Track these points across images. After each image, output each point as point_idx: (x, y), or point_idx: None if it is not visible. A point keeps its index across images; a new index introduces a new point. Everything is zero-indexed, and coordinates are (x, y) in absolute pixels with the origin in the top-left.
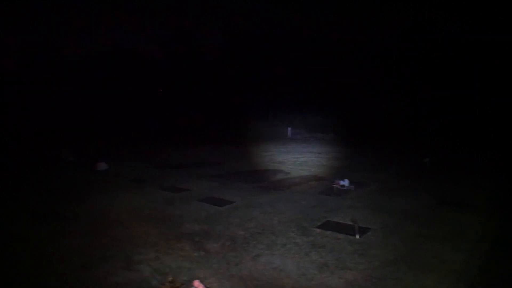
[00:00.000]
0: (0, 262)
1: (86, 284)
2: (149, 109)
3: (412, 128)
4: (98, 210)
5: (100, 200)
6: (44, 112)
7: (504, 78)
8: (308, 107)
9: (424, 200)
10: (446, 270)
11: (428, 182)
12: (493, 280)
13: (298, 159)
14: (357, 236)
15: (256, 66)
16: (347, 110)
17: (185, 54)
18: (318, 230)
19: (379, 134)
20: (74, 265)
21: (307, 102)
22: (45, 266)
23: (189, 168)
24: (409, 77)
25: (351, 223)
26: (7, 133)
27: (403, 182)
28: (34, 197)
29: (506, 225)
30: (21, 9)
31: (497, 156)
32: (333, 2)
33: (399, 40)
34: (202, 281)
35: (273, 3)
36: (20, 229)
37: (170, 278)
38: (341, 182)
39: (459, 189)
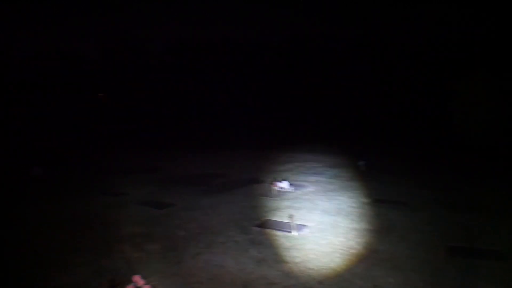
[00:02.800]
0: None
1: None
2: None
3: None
4: None
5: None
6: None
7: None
8: None
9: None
10: (376, 259)
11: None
12: (418, 266)
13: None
14: (295, 233)
15: None
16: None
17: None
18: (257, 229)
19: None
20: None
21: None
22: None
23: (138, 173)
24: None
25: (288, 221)
26: None
27: (340, 183)
28: None
29: (429, 218)
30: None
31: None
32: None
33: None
34: (142, 278)
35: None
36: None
37: (109, 277)
38: (280, 184)
39: (390, 189)
